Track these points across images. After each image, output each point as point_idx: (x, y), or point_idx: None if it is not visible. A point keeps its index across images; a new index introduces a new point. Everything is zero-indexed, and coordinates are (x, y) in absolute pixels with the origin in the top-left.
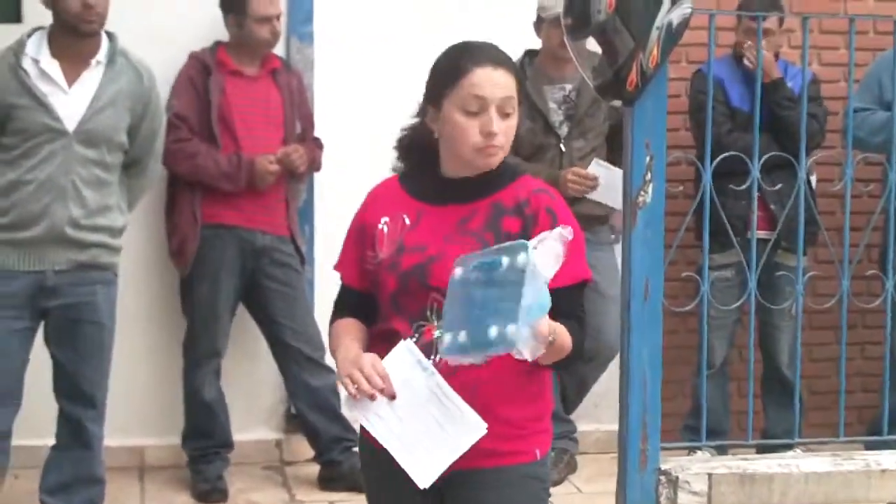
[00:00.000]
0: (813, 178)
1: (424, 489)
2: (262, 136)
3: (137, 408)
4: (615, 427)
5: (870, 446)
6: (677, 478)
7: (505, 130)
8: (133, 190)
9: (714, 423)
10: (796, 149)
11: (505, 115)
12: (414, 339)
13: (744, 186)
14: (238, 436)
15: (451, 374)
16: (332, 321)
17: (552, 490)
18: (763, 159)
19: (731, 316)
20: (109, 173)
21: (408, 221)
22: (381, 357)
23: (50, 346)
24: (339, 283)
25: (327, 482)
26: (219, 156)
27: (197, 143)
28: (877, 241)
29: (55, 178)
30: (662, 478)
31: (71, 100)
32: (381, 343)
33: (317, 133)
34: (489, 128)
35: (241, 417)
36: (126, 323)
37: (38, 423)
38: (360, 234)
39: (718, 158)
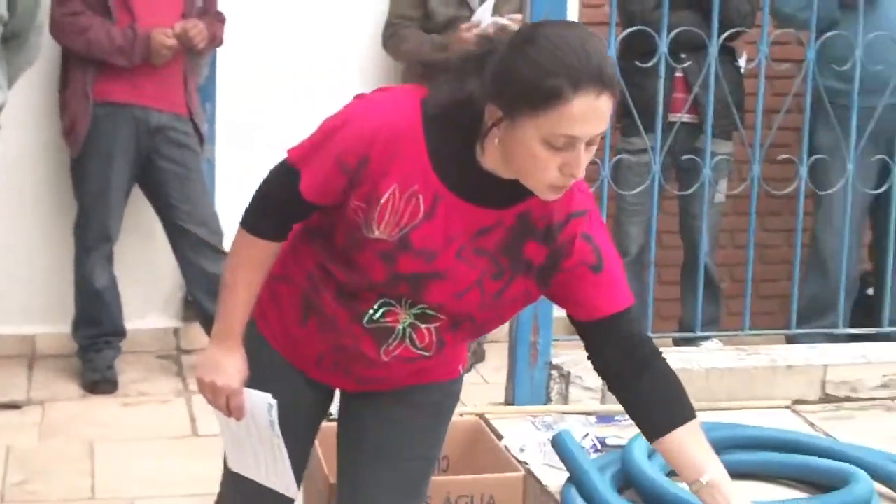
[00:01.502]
0: (742, 60)
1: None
2: (161, 10)
3: (29, 295)
4: None
5: (789, 338)
6: (569, 373)
7: (587, 160)
8: (13, 65)
9: None
10: (725, 30)
11: (591, 145)
12: (373, 313)
13: (650, 64)
14: (133, 324)
15: (405, 362)
16: (249, 225)
17: None
18: (677, 36)
19: (647, 202)
20: None
21: (422, 206)
22: (306, 293)
23: None
24: (288, 178)
25: None
26: (113, 29)
27: (90, 15)
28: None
29: None
30: (554, 372)
31: None
32: (321, 284)
33: (220, 6)
34: (573, 170)
35: (137, 305)
36: (17, 207)
37: None
38: (355, 170)
39: (625, 33)
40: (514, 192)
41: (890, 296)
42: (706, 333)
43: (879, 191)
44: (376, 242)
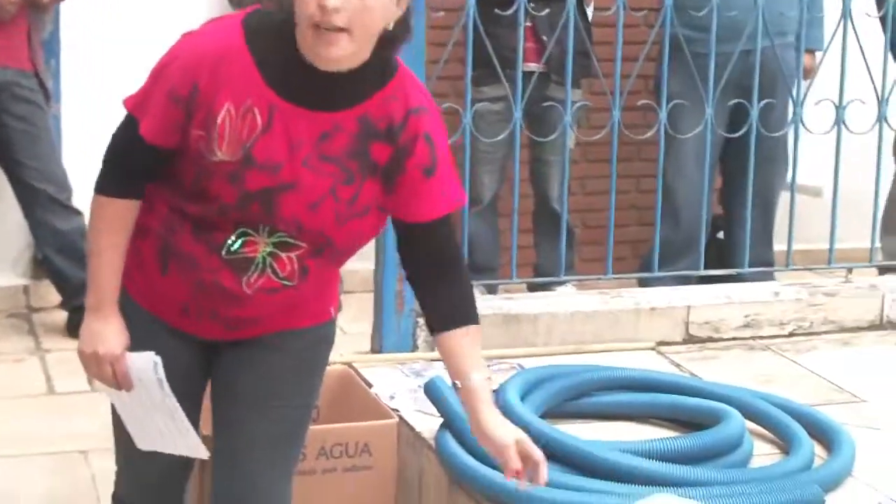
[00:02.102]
0: (589, 9)
1: (199, 342)
2: None
3: None
4: None
5: (641, 281)
6: None
7: (356, 7)
8: None
9: (483, 261)
10: None
11: None
12: (231, 243)
13: (510, 11)
14: None
15: (269, 294)
16: (102, 187)
17: None
18: None
19: (500, 150)
20: None
21: (259, 119)
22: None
23: None
24: (129, 128)
25: (75, 329)
26: None
27: None
28: (653, 71)
29: None
30: (420, 320)
31: None
32: (177, 225)
33: None
34: (324, 2)
35: None
36: None
37: None
38: (188, 99)
39: None
40: (346, 91)
41: (750, 238)
42: (569, 278)
43: (737, 134)
44: (221, 165)
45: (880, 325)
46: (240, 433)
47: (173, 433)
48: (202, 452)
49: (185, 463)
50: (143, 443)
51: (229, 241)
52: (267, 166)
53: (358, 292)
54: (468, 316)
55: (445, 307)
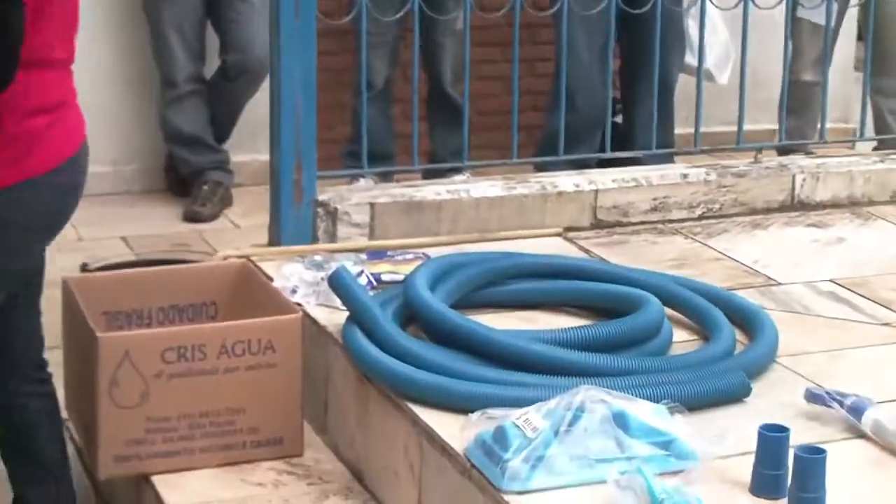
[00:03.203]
0: None
1: None
2: None
3: None
4: None
5: (539, 167)
6: (336, 209)
7: None
8: None
9: (377, 148)
10: None
11: None
12: None
13: None
14: None
15: None
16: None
17: (207, 226)
18: None
19: (391, 33)
20: None
21: None
22: None
23: None
24: None
25: None
26: None
27: None
28: None
29: None
30: (320, 210)
31: None
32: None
33: None
34: None
35: None
36: None
37: None
38: None
39: None
40: None
41: (656, 121)
42: (474, 163)
43: (640, 10)
44: None
45: (791, 205)
46: None
47: None
48: None
49: None
50: None
51: None
52: None
53: (247, 185)
54: None
55: None
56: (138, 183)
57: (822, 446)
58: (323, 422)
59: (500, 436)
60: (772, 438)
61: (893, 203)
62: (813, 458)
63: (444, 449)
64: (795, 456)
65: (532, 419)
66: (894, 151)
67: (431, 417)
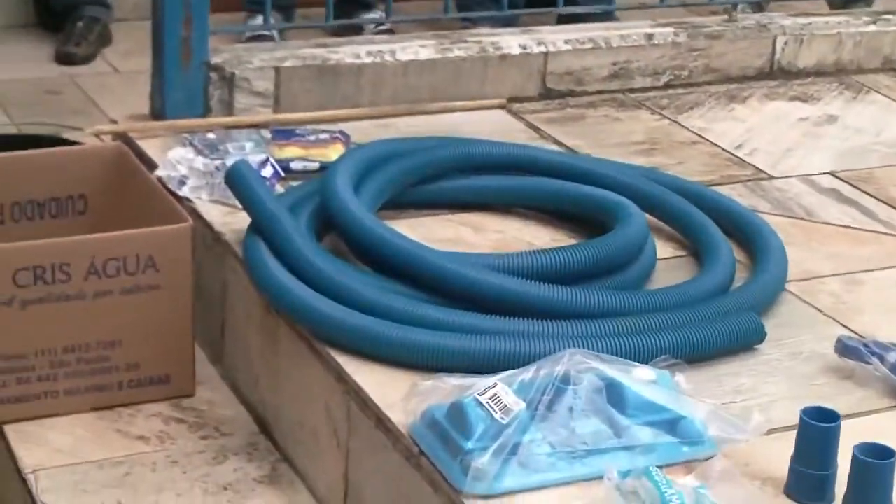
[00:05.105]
0: None
1: None
2: None
3: None
4: None
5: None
6: (233, 74)
7: None
8: None
9: None
10: None
11: None
12: None
13: None
14: None
15: None
16: None
17: (83, 69)
18: None
19: None
20: None
21: None
22: None
23: None
24: None
25: None
26: None
27: None
28: None
29: None
30: (213, 74)
31: None
32: None
33: None
34: None
35: None
36: None
37: None
38: None
39: None
40: None
41: None
42: (402, 18)
43: None
44: None
45: (770, 73)
46: None
47: None
48: None
49: None
50: None
51: None
52: None
53: (131, 20)
54: None
55: None
56: (0, 16)
57: (886, 444)
58: (219, 348)
59: (459, 416)
60: (818, 429)
61: (885, 71)
62: (879, 464)
63: (380, 420)
64: (854, 458)
65: (501, 396)
66: (884, 11)
67: (363, 374)
